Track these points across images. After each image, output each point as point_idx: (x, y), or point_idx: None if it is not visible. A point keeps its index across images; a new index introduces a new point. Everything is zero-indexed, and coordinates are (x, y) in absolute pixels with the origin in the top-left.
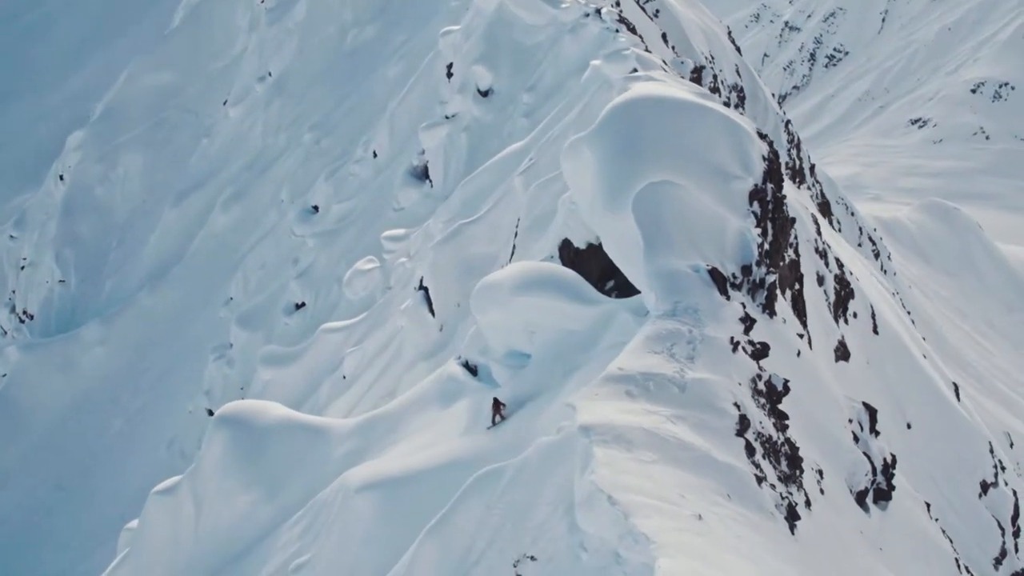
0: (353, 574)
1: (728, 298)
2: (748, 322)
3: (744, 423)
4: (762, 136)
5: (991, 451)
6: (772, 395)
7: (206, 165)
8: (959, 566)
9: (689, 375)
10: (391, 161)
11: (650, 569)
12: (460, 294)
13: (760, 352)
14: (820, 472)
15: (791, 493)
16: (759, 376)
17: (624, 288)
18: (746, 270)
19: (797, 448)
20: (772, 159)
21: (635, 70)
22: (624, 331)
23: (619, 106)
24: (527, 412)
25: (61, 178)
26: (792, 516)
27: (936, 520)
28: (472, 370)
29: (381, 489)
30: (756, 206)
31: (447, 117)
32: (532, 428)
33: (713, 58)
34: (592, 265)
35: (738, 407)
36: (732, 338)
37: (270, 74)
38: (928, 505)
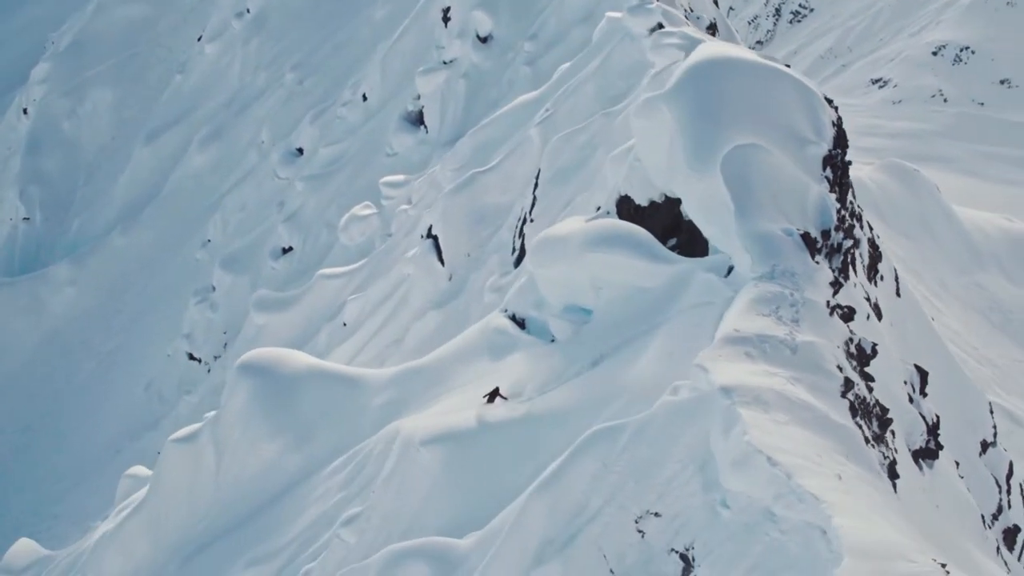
0: (414, 527)
1: (817, 262)
2: (837, 286)
3: (848, 385)
4: (828, 101)
5: (991, 411)
6: (862, 358)
7: (179, 103)
8: (983, 521)
9: (799, 338)
10: (383, 105)
11: (813, 527)
12: (471, 244)
13: (848, 315)
14: (893, 432)
15: (885, 453)
16: (851, 339)
17: (686, 247)
18: (825, 235)
19: (887, 409)
20: (839, 124)
21: (660, 25)
22: (708, 291)
23: (698, 66)
24: (608, 368)
25: (25, 112)
26: (892, 475)
27: (962, 478)
28: (519, 323)
29: (449, 443)
30: (829, 171)
31: (445, 63)
32: (621, 384)
33: (692, 10)
34: (654, 223)
35: (840, 369)
36: (828, 302)
37: (248, 10)
38: (957, 464)
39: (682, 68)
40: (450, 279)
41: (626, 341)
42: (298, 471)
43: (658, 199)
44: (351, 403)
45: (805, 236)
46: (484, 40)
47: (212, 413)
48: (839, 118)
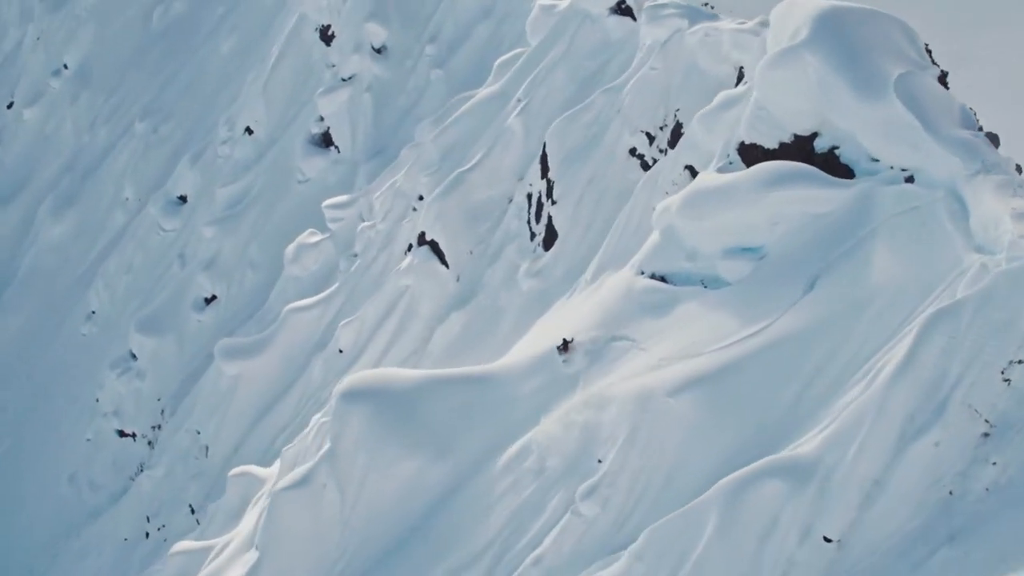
0: (674, 477)
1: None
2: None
3: None
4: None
5: None
6: None
7: (7, 176)
8: None
9: None
10: (276, 134)
11: None
12: (471, 241)
13: None
14: None
15: None
16: None
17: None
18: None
19: None
20: (931, 52)
21: (621, 2)
22: (906, 199)
23: (825, 16)
24: (833, 285)
25: None
26: None
27: None
28: (660, 279)
29: (701, 387)
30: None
31: (344, 79)
32: (867, 290)
33: None
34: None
35: None
36: None
37: (66, 66)
38: None
39: (808, 20)
40: (457, 280)
41: (831, 263)
42: (448, 480)
43: (788, 140)
44: (489, 399)
45: (989, 135)
46: (379, 51)
47: (322, 451)
48: (928, 48)
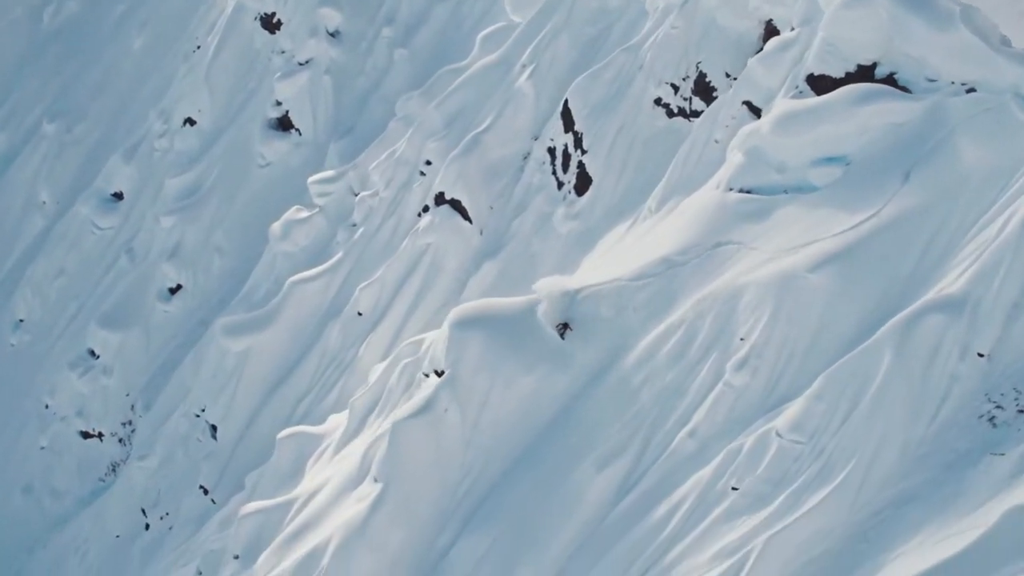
0: (817, 340)
1: None
2: None
3: None
4: None
5: None
6: None
7: None
8: None
9: None
10: (224, 122)
11: None
12: (490, 197)
13: None
14: None
15: None
16: None
17: None
18: None
19: None
20: None
21: None
22: (978, 103)
23: None
24: (928, 175)
25: None
26: None
27: None
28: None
29: (834, 263)
30: None
31: (301, 64)
32: (961, 172)
33: None
34: None
35: None
36: None
37: None
38: None
39: None
40: (481, 233)
41: (919, 159)
42: (572, 387)
43: (852, 69)
44: (603, 312)
45: None
46: (333, 35)
47: (441, 378)
48: None
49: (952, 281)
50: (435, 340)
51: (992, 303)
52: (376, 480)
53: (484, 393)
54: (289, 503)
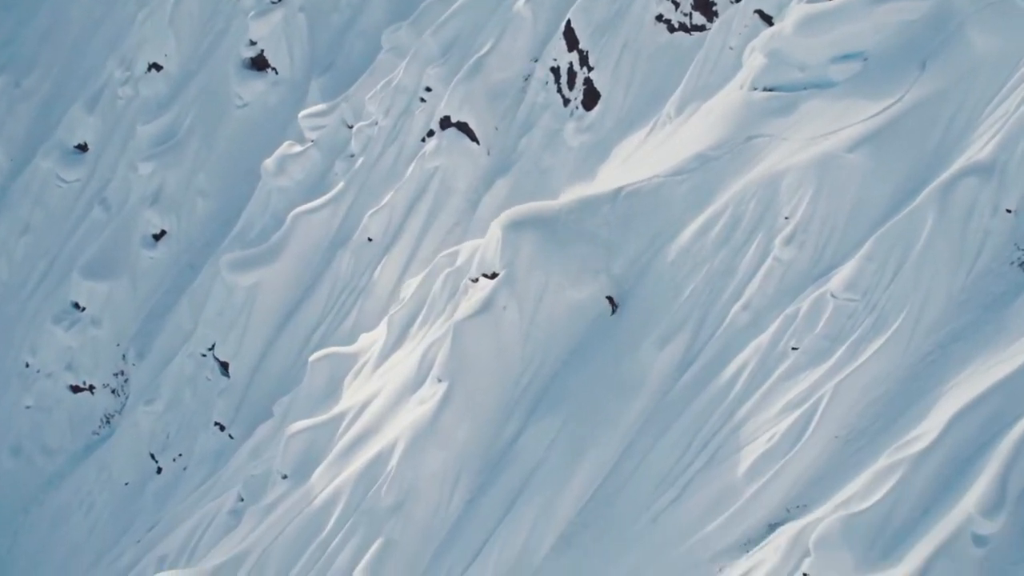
0: (856, 212)
1: None
2: None
3: None
4: None
5: None
6: None
7: None
8: None
9: None
10: (196, 65)
11: None
12: (495, 118)
13: None
14: None
15: None
16: None
17: None
18: None
19: None
20: None
21: None
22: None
23: None
24: (944, 63)
25: None
26: None
27: None
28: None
29: (868, 142)
30: None
31: (273, 3)
32: (977, 56)
33: None
34: None
35: None
36: None
37: None
38: None
39: None
40: (488, 153)
41: (933, 50)
42: (625, 278)
43: None
44: (647, 206)
45: None
46: None
47: (498, 277)
48: None
49: (979, 149)
50: (483, 245)
51: (1017, 166)
52: (440, 380)
53: (540, 288)
54: (338, 418)
